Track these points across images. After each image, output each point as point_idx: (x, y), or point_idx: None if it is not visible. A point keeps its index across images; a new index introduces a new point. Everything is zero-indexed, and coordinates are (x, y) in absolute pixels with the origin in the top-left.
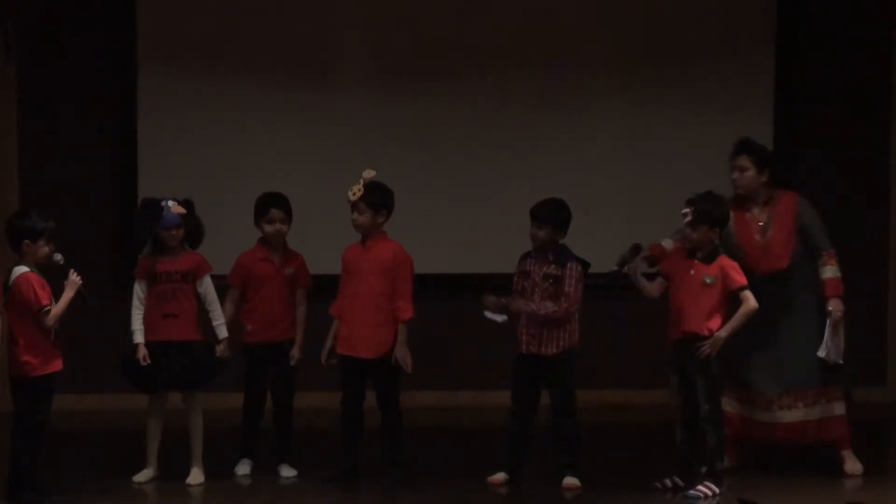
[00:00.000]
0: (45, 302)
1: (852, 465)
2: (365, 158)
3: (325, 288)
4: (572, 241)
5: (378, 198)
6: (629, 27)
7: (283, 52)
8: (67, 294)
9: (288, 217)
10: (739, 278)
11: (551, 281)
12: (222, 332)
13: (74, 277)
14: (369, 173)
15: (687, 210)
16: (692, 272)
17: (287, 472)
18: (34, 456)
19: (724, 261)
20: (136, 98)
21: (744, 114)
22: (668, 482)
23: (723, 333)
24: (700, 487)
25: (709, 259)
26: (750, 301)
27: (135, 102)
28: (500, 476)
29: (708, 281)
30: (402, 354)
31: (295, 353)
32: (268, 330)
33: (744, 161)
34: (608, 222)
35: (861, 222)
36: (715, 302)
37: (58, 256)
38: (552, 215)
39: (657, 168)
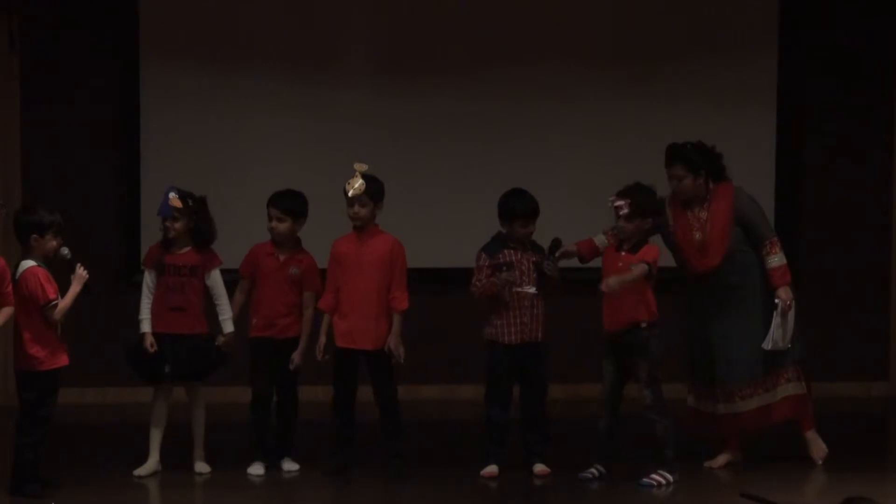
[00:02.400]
0: (52, 296)
1: (817, 449)
2: (366, 153)
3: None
4: (575, 237)
5: (377, 190)
6: (630, 23)
7: (284, 47)
8: (74, 288)
9: (286, 216)
10: (647, 257)
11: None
12: (228, 327)
13: (81, 272)
14: (362, 166)
15: (622, 202)
16: (620, 264)
17: (289, 466)
18: (37, 450)
19: (650, 248)
20: (138, 91)
21: (747, 109)
22: (594, 471)
23: (625, 279)
24: (654, 476)
25: (635, 249)
26: (641, 267)
27: (137, 95)
28: (494, 469)
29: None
30: (395, 344)
31: (296, 357)
32: (269, 326)
33: (678, 170)
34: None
35: (864, 217)
36: (643, 292)
37: (65, 251)
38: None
39: (659, 164)
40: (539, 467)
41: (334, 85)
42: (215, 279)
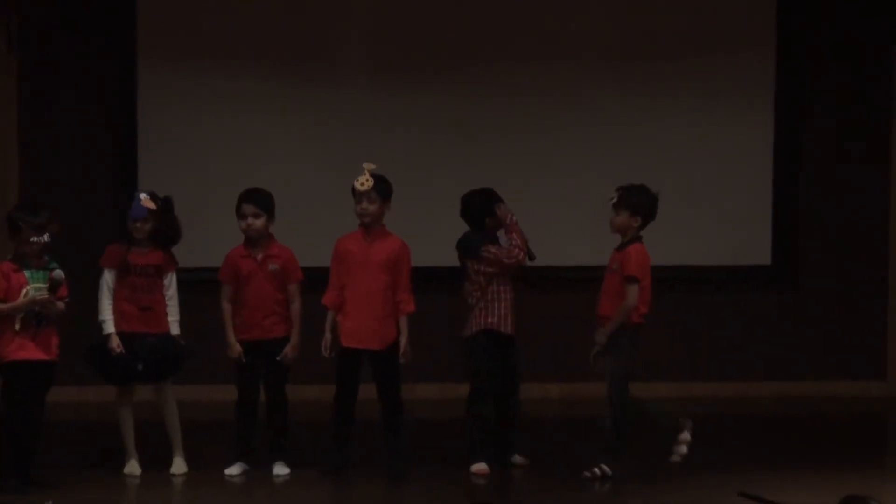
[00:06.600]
0: None
1: None
2: (364, 151)
3: (326, 280)
4: (571, 235)
5: (386, 189)
6: (630, 20)
7: (283, 46)
8: (18, 303)
9: (262, 211)
10: (632, 267)
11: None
12: (175, 329)
13: (40, 297)
14: (370, 165)
15: (614, 195)
16: (610, 260)
17: (280, 470)
18: (14, 445)
19: (632, 248)
20: (136, 91)
21: (744, 109)
22: (597, 471)
23: (601, 338)
24: (594, 469)
25: (623, 247)
26: (629, 296)
27: (135, 95)
28: (483, 466)
29: (615, 267)
30: (406, 347)
31: (288, 351)
32: (253, 328)
33: None
34: (604, 216)
35: (862, 217)
36: (621, 290)
37: (58, 275)
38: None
39: (656, 162)
40: (518, 458)
41: (333, 84)
42: (172, 280)
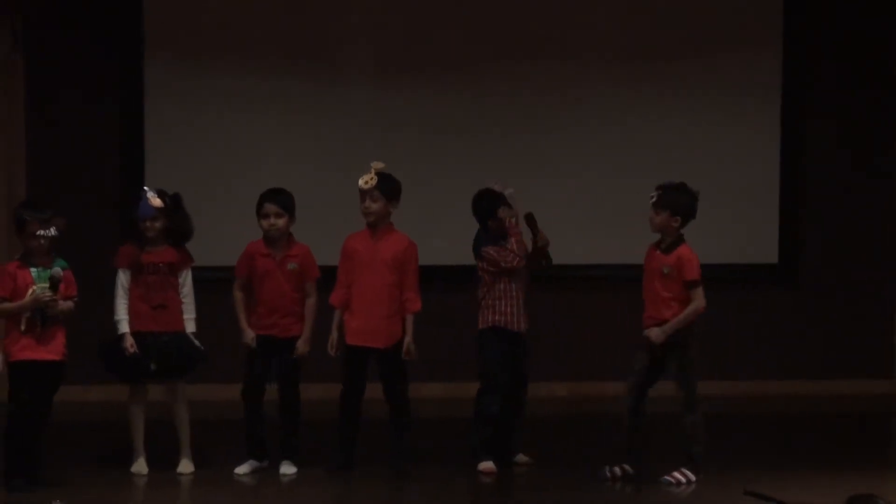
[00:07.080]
0: (1, 293)
1: None
2: (370, 150)
3: (331, 279)
4: (572, 234)
5: (391, 187)
6: (632, 20)
7: (288, 44)
8: (23, 302)
9: (285, 211)
10: (692, 272)
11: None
12: (191, 326)
13: (42, 295)
14: (378, 164)
15: (654, 193)
16: (654, 263)
17: (287, 469)
18: (15, 443)
19: (683, 251)
20: (142, 89)
21: (750, 108)
22: (617, 470)
23: (668, 329)
24: (675, 473)
25: (669, 249)
26: (697, 299)
27: (141, 93)
28: (491, 464)
29: (665, 271)
30: (410, 346)
31: (300, 346)
32: (270, 326)
33: None
34: (609, 215)
35: (868, 215)
36: (674, 293)
37: (58, 272)
38: None
39: (657, 162)
40: (522, 457)
41: (339, 83)
42: (187, 278)
